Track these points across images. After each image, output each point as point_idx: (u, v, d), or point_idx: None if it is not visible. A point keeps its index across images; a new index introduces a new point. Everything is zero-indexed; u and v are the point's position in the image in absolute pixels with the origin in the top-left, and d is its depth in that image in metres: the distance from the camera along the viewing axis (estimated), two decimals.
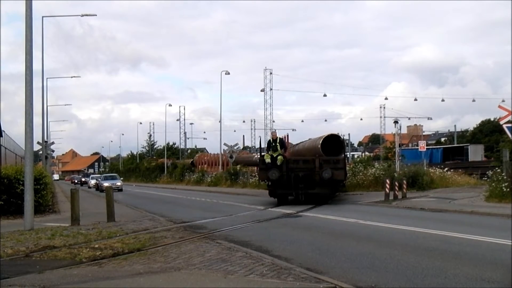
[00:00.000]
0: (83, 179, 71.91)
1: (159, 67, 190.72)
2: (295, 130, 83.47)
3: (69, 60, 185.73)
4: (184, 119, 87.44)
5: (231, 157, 46.52)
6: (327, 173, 21.70)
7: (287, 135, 33.61)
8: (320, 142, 24.12)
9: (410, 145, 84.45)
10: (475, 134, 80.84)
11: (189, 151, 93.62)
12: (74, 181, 76.98)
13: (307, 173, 22.32)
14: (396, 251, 9.93)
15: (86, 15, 36.19)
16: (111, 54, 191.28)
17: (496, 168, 22.85)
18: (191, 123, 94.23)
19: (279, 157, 22.55)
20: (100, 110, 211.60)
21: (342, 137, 27.12)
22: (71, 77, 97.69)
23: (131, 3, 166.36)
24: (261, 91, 70.36)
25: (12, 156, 33.88)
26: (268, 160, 22.67)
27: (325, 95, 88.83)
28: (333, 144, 23.88)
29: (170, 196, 35.44)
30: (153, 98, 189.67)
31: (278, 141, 23.25)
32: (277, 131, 30.55)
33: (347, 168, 34.43)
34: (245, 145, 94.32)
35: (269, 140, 24.08)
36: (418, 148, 41.31)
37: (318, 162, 22.32)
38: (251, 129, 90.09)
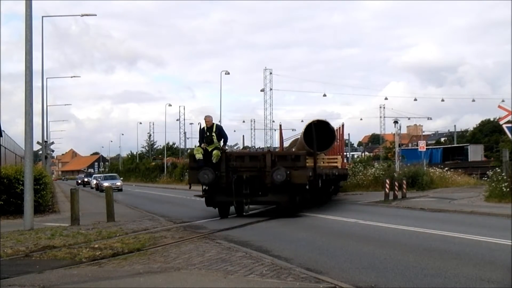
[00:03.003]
0: (85, 179, 70.66)
1: (158, 66, 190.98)
2: (294, 130, 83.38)
3: (65, 58, 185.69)
4: (184, 119, 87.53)
5: None
6: (279, 175, 15.98)
7: (280, 126, 28.06)
8: (303, 131, 19.50)
9: (410, 145, 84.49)
10: (475, 134, 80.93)
11: (188, 151, 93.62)
12: (77, 181, 76.18)
13: (255, 174, 16.60)
14: (396, 251, 9.93)
15: (86, 15, 36.20)
16: (108, 53, 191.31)
17: (496, 168, 22.89)
18: (191, 123, 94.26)
19: (215, 152, 16.63)
20: (99, 110, 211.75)
21: (333, 125, 21.53)
22: (71, 77, 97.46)
23: (129, 2, 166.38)
24: (261, 91, 70.42)
25: (12, 156, 33.88)
26: (199, 156, 16.75)
27: (324, 95, 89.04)
28: (323, 134, 19.33)
29: (170, 196, 35.42)
30: (152, 98, 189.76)
31: (214, 129, 17.01)
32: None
33: (347, 167, 34.20)
34: (245, 145, 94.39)
35: (202, 128, 17.22)
36: (418, 148, 41.34)
37: (269, 159, 16.60)
38: (251, 129, 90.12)
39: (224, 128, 17.89)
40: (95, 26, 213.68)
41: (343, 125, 25.62)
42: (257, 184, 16.63)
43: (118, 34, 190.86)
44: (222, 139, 17.22)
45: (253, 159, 17.18)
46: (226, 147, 17.74)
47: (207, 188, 17.20)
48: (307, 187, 17.10)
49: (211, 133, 16.91)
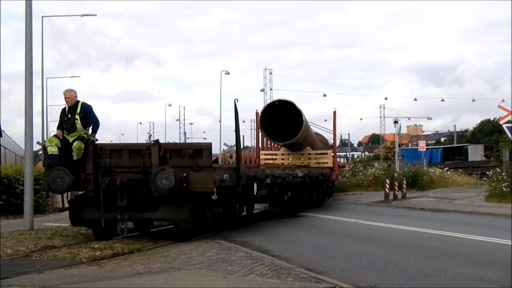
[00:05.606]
0: None
1: (156, 65, 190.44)
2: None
3: (60, 57, 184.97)
4: (184, 119, 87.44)
5: (230, 157, 46.49)
6: (165, 178, 10.55)
7: (257, 113, 18.92)
8: (260, 116, 15.02)
9: (410, 145, 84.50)
10: (474, 134, 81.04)
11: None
12: None
13: (137, 177, 11.17)
14: (396, 251, 9.93)
15: (86, 15, 36.12)
16: (105, 52, 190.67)
17: (496, 168, 22.92)
18: (191, 123, 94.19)
19: (75, 144, 11.24)
20: (98, 110, 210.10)
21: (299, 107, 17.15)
22: (71, 77, 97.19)
23: (127, 2, 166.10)
24: (261, 91, 70.28)
25: (12, 156, 33.87)
26: (52, 149, 11.27)
27: (324, 95, 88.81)
28: (289, 119, 15.30)
29: None
30: (151, 98, 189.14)
31: (79, 109, 11.53)
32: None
33: (347, 168, 34.10)
34: (245, 145, 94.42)
35: (63, 108, 11.86)
36: (418, 148, 41.43)
37: (156, 155, 11.06)
38: (251, 129, 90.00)
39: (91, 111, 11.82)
40: (92, 24, 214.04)
41: (334, 113, 21.19)
42: (140, 192, 11.24)
43: (116, 33, 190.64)
44: (91, 125, 11.78)
45: (135, 155, 11.43)
46: (97, 140, 11.86)
47: (73, 199, 11.96)
48: (213, 197, 11.05)
49: (74, 115, 11.49)
